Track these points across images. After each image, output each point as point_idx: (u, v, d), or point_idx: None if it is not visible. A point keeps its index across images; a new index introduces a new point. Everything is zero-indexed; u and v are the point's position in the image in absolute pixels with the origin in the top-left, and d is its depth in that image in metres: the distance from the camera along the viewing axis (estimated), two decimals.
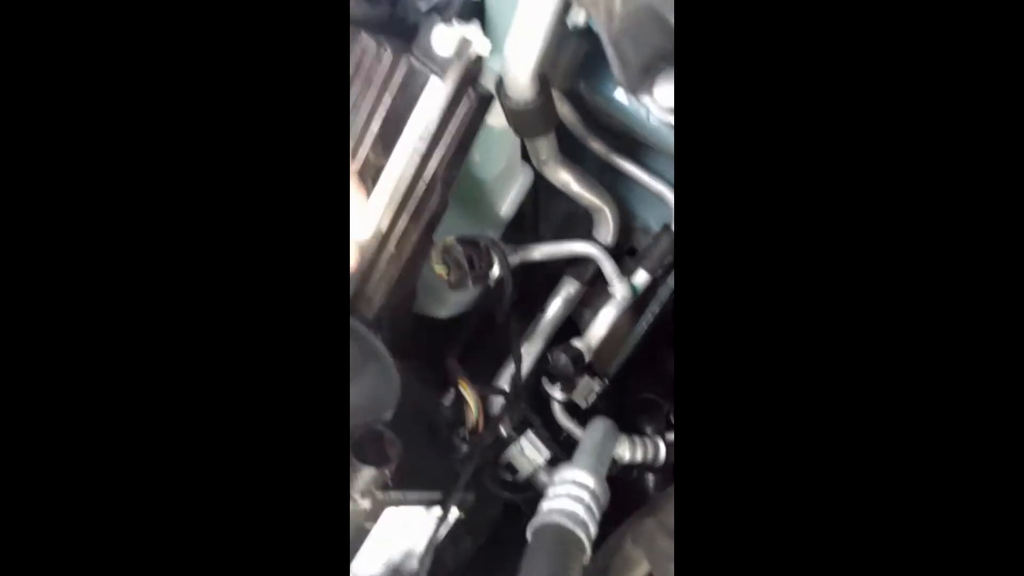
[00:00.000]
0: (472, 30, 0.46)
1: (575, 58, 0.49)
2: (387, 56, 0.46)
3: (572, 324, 0.60)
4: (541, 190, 0.59)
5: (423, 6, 0.48)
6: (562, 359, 0.51)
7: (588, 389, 0.53)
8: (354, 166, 0.48)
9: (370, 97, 0.47)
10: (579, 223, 0.60)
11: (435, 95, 0.46)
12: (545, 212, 0.62)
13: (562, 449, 0.53)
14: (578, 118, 0.55)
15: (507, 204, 0.59)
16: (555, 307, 0.59)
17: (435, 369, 0.56)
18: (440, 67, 0.46)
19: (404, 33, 0.47)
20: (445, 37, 0.45)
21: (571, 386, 0.52)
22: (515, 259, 0.55)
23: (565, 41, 0.48)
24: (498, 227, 0.60)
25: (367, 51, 0.46)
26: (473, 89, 0.47)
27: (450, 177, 0.50)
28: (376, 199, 0.49)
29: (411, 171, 0.48)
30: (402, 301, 0.53)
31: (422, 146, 0.48)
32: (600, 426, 0.49)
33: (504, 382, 0.56)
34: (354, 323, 0.49)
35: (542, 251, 0.56)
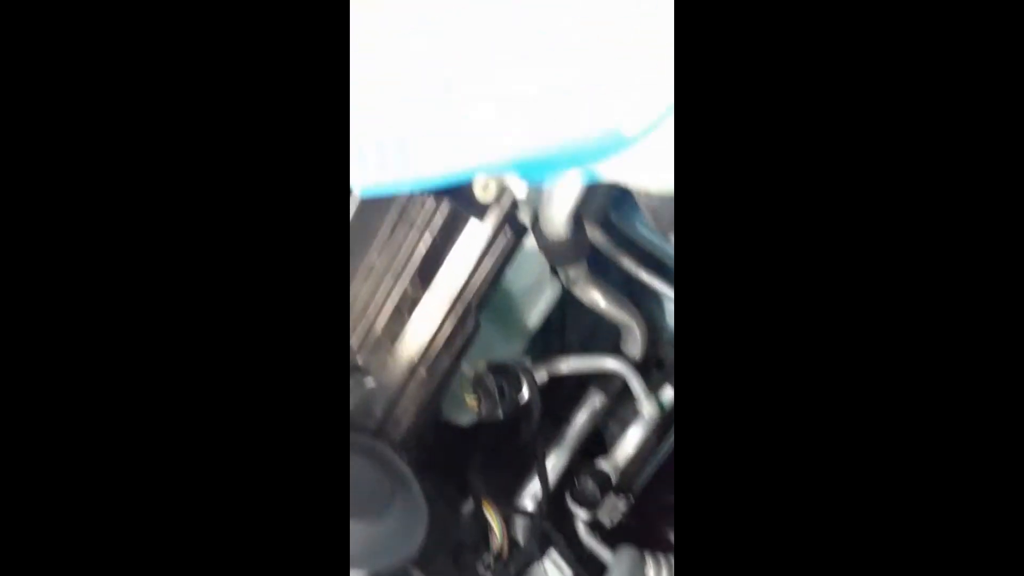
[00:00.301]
0: (511, 177, 0.47)
1: (608, 197, 0.51)
2: (429, 201, 0.47)
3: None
4: (569, 301, 0.61)
5: None
6: (589, 485, 0.52)
7: (614, 508, 0.54)
8: (392, 299, 0.50)
9: (411, 238, 0.48)
10: (607, 332, 0.62)
11: (474, 236, 0.48)
12: (573, 321, 0.64)
13: (586, 570, 0.54)
14: (608, 239, 0.57)
15: (535, 315, 0.60)
16: (581, 419, 0.60)
17: (455, 476, 0.58)
18: (479, 210, 0.48)
19: None
20: (485, 185, 0.47)
21: (597, 507, 0.54)
22: (542, 374, 0.56)
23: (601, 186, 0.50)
24: (524, 337, 0.61)
25: (410, 197, 0.48)
26: (510, 226, 0.49)
27: (483, 303, 0.51)
28: (411, 328, 0.50)
29: (447, 303, 0.50)
30: (428, 420, 0.55)
31: (459, 281, 0.49)
32: (626, 560, 0.50)
33: (527, 498, 0.57)
34: (380, 447, 0.50)
35: (569, 365, 0.58)
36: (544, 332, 0.62)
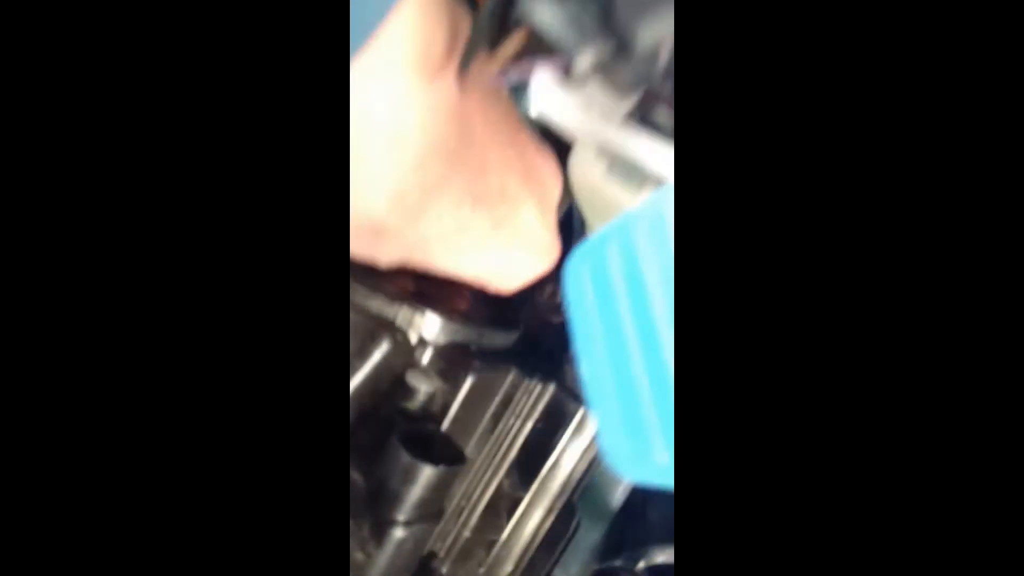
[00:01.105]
0: None
1: None
2: (533, 384, 0.43)
3: None
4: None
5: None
6: None
7: None
8: (487, 495, 0.44)
9: (512, 425, 0.43)
10: None
11: (584, 428, 0.43)
12: (655, 498, 0.58)
13: None
14: None
15: (619, 492, 0.55)
16: None
17: None
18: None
19: (550, 359, 0.44)
20: None
21: None
22: (640, 566, 0.50)
23: None
24: (606, 519, 0.56)
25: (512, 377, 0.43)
26: None
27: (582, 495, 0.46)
28: (512, 535, 0.44)
29: (553, 506, 0.44)
30: None
31: (569, 480, 0.44)
32: None
33: None
34: None
35: (666, 555, 0.52)
36: (625, 512, 0.56)
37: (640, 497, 0.56)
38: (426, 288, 0.43)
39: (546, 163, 0.40)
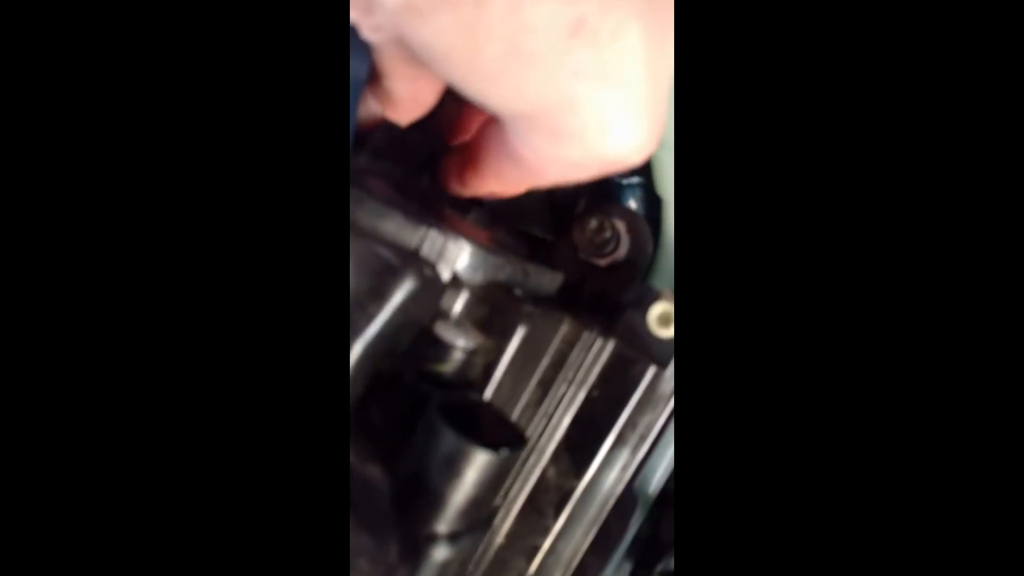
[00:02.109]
0: None
1: None
2: (591, 337, 0.32)
3: None
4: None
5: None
6: None
7: None
8: (526, 488, 0.34)
9: (563, 393, 0.33)
10: None
11: (655, 392, 0.33)
12: (668, 522, 0.49)
13: None
14: None
15: (657, 477, 0.46)
16: None
17: None
18: (659, 351, 0.33)
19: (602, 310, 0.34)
20: (667, 317, 0.33)
21: None
22: None
23: None
24: (645, 502, 0.46)
25: (567, 329, 0.32)
26: None
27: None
28: (560, 539, 0.34)
29: (615, 492, 0.34)
30: None
31: (630, 464, 0.34)
32: None
33: None
34: None
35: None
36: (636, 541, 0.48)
37: (650, 523, 0.48)
38: (450, 212, 0.32)
39: None
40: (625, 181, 0.40)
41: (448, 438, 0.24)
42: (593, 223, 0.37)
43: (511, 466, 0.26)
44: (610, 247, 0.37)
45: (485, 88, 0.23)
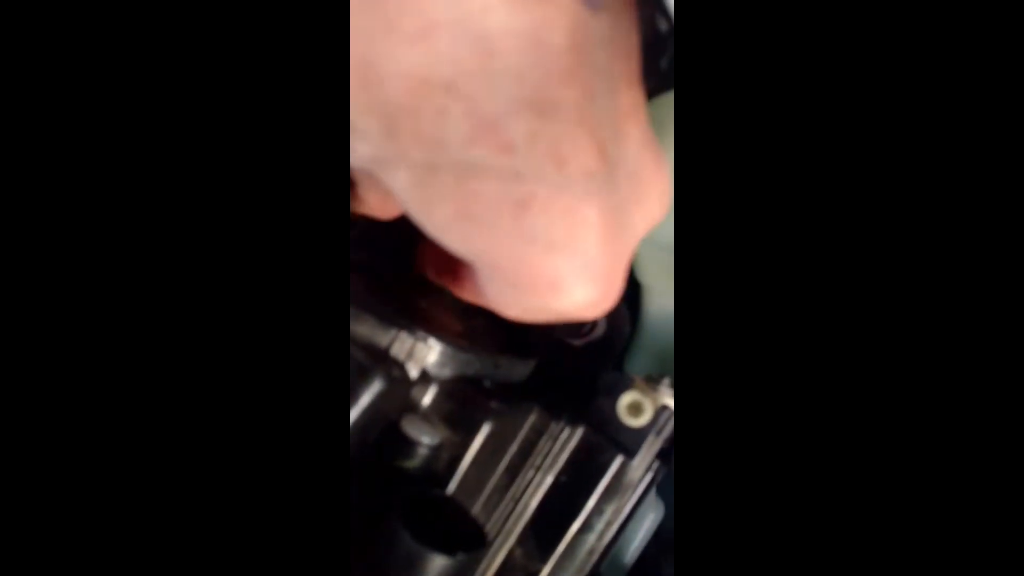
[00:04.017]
0: (668, 391, 0.34)
1: None
2: (559, 427, 0.33)
3: None
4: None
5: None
6: None
7: None
8: (492, 569, 0.34)
9: (530, 479, 0.34)
10: None
11: (621, 481, 0.34)
12: (666, 552, 0.50)
13: None
14: None
15: (633, 547, 0.47)
16: None
17: None
18: (628, 440, 0.34)
19: (574, 394, 0.35)
20: (638, 406, 0.33)
21: None
22: None
23: None
24: (619, 572, 0.47)
25: (534, 420, 0.33)
26: (664, 463, 0.35)
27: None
28: None
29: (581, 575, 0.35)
30: None
31: (597, 547, 0.34)
32: None
33: None
34: None
35: None
36: (639, 567, 0.48)
37: (654, 553, 0.48)
38: (424, 303, 0.33)
39: (654, 163, 0.25)
40: None
41: (406, 541, 0.25)
42: None
43: (472, 566, 0.27)
44: (587, 328, 0.38)
45: (441, 238, 0.24)
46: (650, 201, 0.26)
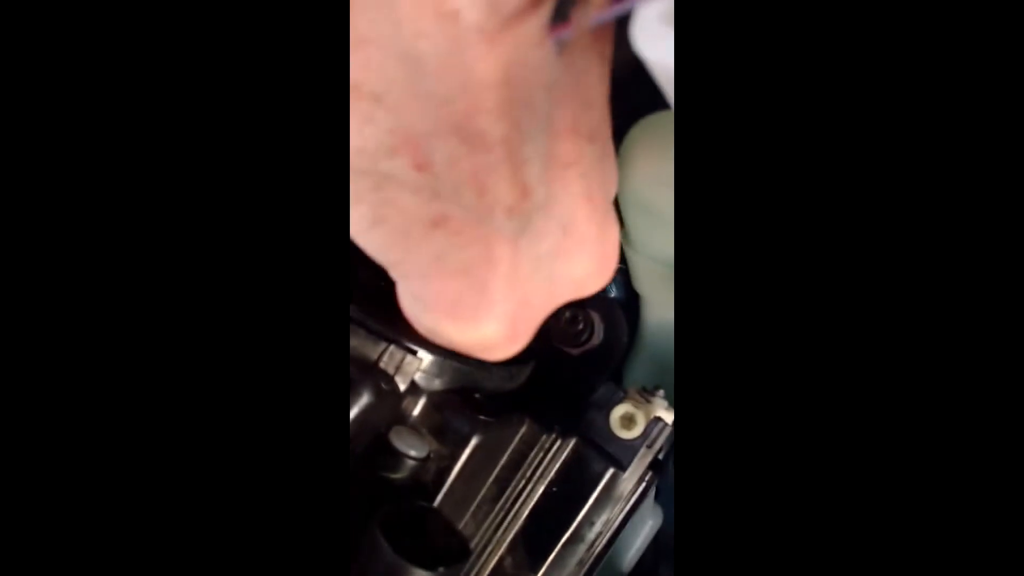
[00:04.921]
0: (661, 403, 0.34)
1: None
2: (550, 438, 0.33)
3: None
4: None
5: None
6: None
7: None
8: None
9: (520, 489, 0.34)
10: None
11: (612, 492, 0.34)
12: (666, 556, 0.50)
13: None
14: None
15: (631, 554, 0.47)
16: None
17: None
18: (619, 452, 0.34)
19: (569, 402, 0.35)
20: (630, 418, 0.33)
21: None
22: None
23: None
24: None
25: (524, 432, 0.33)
26: (655, 473, 0.35)
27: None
28: None
29: None
30: None
31: (588, 557, 0.35)
32: None
33: None
34: None
35: None
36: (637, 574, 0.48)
37: (652, 559, 0.48)
38: None
39: (601, 231, 0.26)
40: None
41: (387, 555, 0.25)
42: (567, 314, 0.38)
43: None
44: (583, 336, 0.38)
45: (361, 241, 0.24)
46: (582, 261, 0.25)
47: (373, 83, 0.20)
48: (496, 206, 0.22)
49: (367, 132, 0.21)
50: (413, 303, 0.26)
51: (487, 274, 0.23)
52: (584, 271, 0.26)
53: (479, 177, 0.21)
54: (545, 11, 0.19)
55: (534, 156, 0.22)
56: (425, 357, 0.28)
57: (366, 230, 0.23)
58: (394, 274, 0.26)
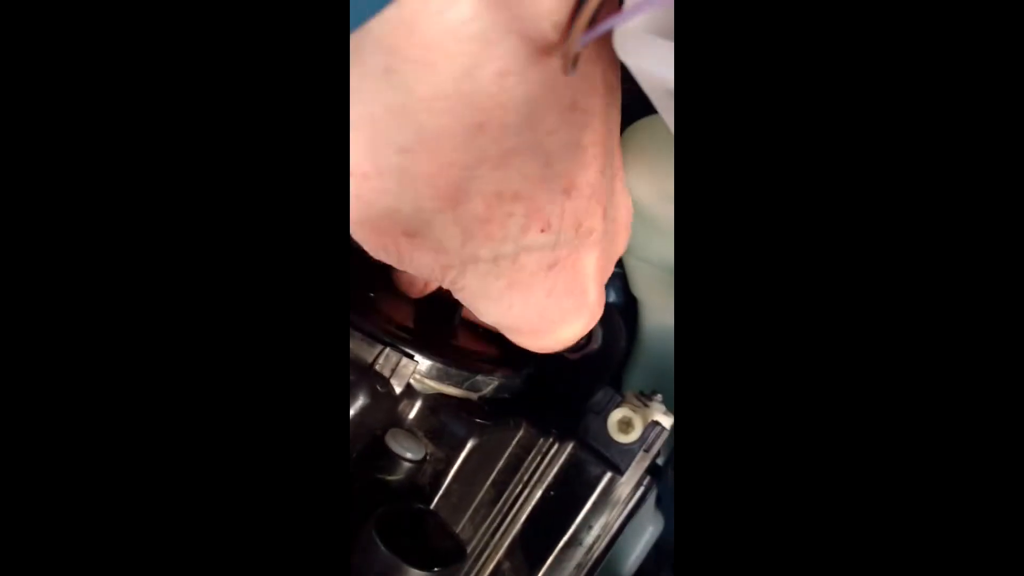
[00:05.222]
0: (659, 407, 0.35)
1: None
2: (547, 442, 0.33)
3: None
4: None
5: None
6: None
7: None
8: None
9: (518, 493, 0.34)
10: None
11: (610, 496, 0.34)
12: (666, 560, 0.50)
13: None
14: None
15: (631, 560, 0.47)
16: None
17: None
18: (617, 456, 0.34)
19: (566, 407, 0.35)
20: (628, 422, 0.33)
21: None
22: None
23: None
24: None
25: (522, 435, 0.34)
26: (653, 477, 0.35)
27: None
28: None
29: None
30: None
31: (586, 562, 0.35)
32: None
33: None
34: None
35: None
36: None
37: (653, 565, 0.48)
38: (421, 320, 0.34)
39: (626, 202, 0.30)
40: None
41: (382, 555, 0.25)
42: None
43: None
44: (582, 341, 0.38)
45: (484, 312, 0.28)
46: (624, 231, 0.31)
47: (514, 186, 0.25)
48: (590, 235, 0.27)
49: (509, 224, 0.25)
50: (517, 335, 0.31)
51: (585, 281, 0.28)
52: (626, 237, 0.31)
53: (579, 220, 0.26)
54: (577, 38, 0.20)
55: (608, 184, 0.27)
56: (421, 361, 0.29)
57: (499, 299, 0.27)
58: (507, 327, 0.30)
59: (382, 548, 0.25)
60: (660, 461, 0.36)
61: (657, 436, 0.34)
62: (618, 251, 0.30)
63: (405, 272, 0.30)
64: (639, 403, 0.35)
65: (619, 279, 0.41)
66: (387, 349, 0.28)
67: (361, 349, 0.28)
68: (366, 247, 0.26)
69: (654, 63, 0.18)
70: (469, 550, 0.33)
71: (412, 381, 0.29)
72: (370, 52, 0.21)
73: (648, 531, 0.46)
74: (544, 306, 0.28)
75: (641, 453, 0.34)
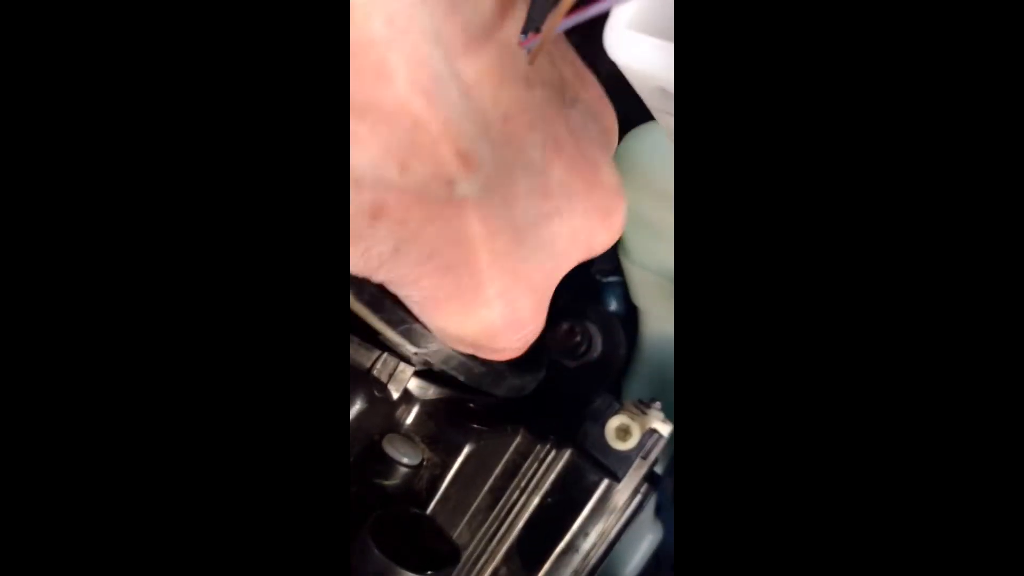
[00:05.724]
0: (657, 415, 0.35)
1: None
2: (545, 448, 0.33)
3: None
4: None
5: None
6: None
7: None
8: None
9: (515, 500, 0.34)
10: None
11: (607, 503, 0.34)
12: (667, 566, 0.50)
13: None
14: None
15: (630, 568, 0.47)
16: None
17: None
18: (615, 463, 0.34)
19: (564, 414, 0.35)
20: (626, 429, 0.34)
21: None
22: None
23: None
24: None
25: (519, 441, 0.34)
26: (651, 485, 0.35)
27: None
28: None
29: None
30: None
31: (583, 568, 0.35)
32: None
33: None
34: None
35: None
36: None
37: (652, 573, 0.48)
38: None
39: (618, 206, 0.26)
40: (605, 280, 0.41)
41: (376, 558, 0.25)
42: (564, 326, 0.38)
43: None
44: (582, 349, 0.38)
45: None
46: (576, 217, 0.25)
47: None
48: (432, 181, 0.22)
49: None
50: (421, 313, 0.26)
51: (467, 257, 0.23)
52: (583, 226, 0.25)
53: (400, 155, 0.21)
54: (514, 24, 0.20)
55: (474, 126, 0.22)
56: (419, 367, 0.29)
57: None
58: (397, 292, 0.25)
59: (376, 551, 0.25)
60: (658, 469, 0.36)
61: (655, 444, 0.34)
62: (561, 256, 0.25)
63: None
64: (637, 411, 0.35)
65: (619, 287, 0.41)
66: (384, 354, 0.28)
67: (358, 354, 0.28)
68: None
69: (643, 61, 0.18)
70: (466, 556, 0.33)
71: (409, 386, 0.29)
72: None
73: (647, 539, 0.46)
74: (417, 279, 0.24)
75: (639, 460, 0.34)
